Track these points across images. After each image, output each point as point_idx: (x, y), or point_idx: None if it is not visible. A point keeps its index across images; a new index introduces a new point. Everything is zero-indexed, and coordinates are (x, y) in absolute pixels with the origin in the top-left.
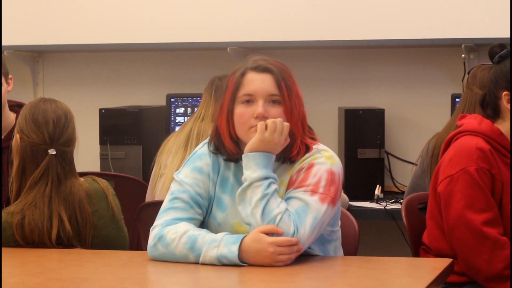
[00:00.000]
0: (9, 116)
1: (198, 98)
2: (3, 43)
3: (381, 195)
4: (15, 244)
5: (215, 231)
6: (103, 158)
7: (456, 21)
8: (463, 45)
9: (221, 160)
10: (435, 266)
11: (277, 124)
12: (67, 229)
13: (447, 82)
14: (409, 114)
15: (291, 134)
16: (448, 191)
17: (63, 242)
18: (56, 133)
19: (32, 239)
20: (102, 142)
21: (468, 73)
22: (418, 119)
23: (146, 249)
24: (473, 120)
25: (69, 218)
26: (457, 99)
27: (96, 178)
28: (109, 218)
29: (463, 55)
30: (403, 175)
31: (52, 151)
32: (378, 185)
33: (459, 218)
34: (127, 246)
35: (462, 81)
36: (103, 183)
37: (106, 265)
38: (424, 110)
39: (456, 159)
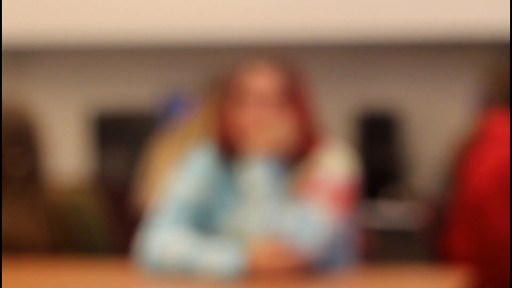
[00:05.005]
0: None
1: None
2: None
3: (397, 199)
4: None
5: (215, 237)
6: (92, 163)
7: (480, 18)
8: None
9: (220, 163)
10: (454, 276)
11: (281, 126)
12: (40, 240)
13: (470, 83)
14: (426, 115)
15: (299, 135)
16: (482, 200)
17: (37, 253)
18: (23, 136)
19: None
20: (90, 147)
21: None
22: (438, 121)
23: (137, 260)
24: (505, 126)
25: (39, 229)
26: (480, 100)
27: (79, 189)
28: (89, 233)
29: (486, 55)
30: (421, 177)
31: (19, 154)
32: (394, 188)
33: (494, 227)
34: (108, 256)
35: (484, 81)
36: (86, 195)
37: (90, 275)
38: (443, 112)
39: (491, 167)
